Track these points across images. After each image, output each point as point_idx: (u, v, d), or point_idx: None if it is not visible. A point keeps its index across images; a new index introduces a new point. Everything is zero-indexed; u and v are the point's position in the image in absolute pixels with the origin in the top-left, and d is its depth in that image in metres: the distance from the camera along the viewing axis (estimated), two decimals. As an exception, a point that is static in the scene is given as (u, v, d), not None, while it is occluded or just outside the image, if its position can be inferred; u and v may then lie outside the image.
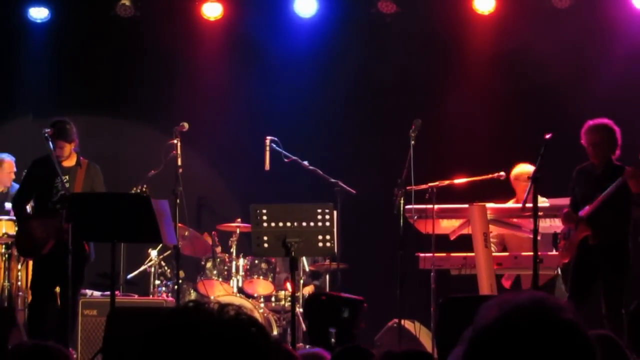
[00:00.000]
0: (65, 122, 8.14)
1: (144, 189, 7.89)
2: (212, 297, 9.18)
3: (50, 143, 7.89)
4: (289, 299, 8.94)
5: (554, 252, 8.39)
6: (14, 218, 9.05)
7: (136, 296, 9.50)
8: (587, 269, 7.68)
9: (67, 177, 8.05)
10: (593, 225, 7.63)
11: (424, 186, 8.39)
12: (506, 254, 8.82)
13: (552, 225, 8.26)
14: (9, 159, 9.84)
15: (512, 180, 8.89)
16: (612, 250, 7.58)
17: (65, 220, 7.51)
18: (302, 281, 9.45)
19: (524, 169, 8.69)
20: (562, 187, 8.24)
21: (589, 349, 1.66)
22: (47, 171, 7.95)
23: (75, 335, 8.59)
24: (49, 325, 7.93)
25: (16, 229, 8.67)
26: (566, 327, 1.66)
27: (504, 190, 9.05)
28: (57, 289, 8.13)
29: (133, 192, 7.95)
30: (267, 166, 8.88)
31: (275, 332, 9.17)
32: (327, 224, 7.16)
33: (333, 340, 7.31)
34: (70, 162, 8.18)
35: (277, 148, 8.91)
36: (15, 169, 9.82)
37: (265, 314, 9.19)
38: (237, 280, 9.54)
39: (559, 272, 8.64)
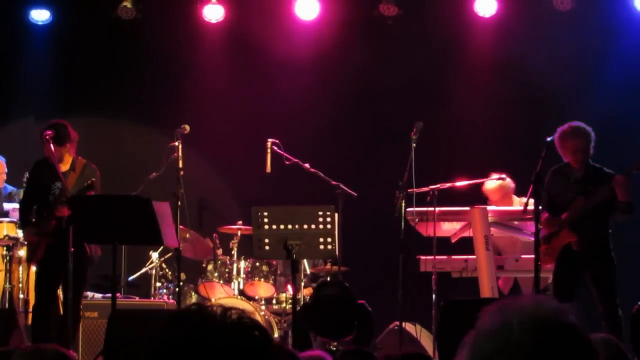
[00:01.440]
0: (61, 125, 7.95)
1: (89, 183, 7.63)
2: (213, 300, 9.18)
3: (52, 145, 7.79)
4: (290, 301, 8.93)
5: None
6: (14, 220, 9.04)
7: (137, 298, 9.49)
8: (571, 275, 7.66)
9: (61, 182, 7.94)
10: (577, 231, 7.61)
11: (425, 189, 8.38)
12: (507, 256, 8.82)
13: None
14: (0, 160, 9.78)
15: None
16: (600, 255, 7.58)
17: (65, 222, 7.49)
18: (302, 284, 9.45)
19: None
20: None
21: (590, 352, 1.67)
22: (47, 174, 7.86)
23: (77, 338, 8.57)
24: (50, 327, 7.91)
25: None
26: (568, 331, 1.66)
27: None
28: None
29: (85, 185, 7.70)
30: (268, 168, 8.88)
31: (276, 335, 9.17)
32: (328, 226, 7.15)
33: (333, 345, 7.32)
34: (64, 167, 7.99)
35: (278, 150, 8.91)
36: (6, 170, 9.75)
37: (267, 317, 9.19)
38: (238, 283, 9.53)
39: None
